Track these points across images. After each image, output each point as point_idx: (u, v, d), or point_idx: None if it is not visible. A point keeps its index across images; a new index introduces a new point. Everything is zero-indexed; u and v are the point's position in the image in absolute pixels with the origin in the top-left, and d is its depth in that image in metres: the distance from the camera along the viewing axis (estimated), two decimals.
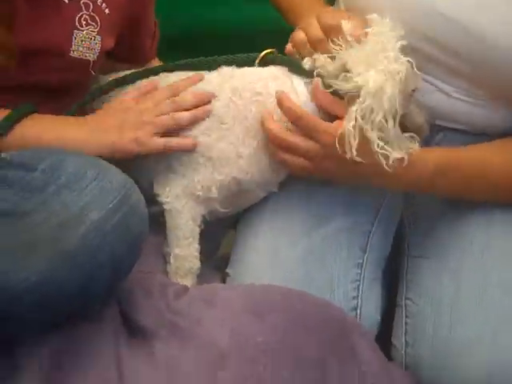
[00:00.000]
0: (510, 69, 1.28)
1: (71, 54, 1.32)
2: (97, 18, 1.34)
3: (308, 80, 1.30)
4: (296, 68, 1.31)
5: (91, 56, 1.35)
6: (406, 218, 1.46)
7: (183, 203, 1.32)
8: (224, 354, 1.12)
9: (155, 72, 1.39)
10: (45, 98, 1.32)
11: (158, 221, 1.34)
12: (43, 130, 1.27)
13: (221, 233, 1.50)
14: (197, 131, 1.31)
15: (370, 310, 1.35)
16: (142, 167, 1.35)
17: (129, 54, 1.49)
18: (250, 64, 1.35)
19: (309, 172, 1.29)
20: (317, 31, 1.28)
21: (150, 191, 1.35)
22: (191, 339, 1.14)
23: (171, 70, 1.38)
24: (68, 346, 1.12)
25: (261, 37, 1.51)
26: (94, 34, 1.34)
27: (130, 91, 1.36)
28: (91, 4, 1.33)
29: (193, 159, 1.31)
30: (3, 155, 1.20)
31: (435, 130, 1.40)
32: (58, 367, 1.10)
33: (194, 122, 1.31)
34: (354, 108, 1.19)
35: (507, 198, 1.35)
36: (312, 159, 1.27)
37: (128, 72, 1.42)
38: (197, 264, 1.33)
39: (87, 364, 1.11)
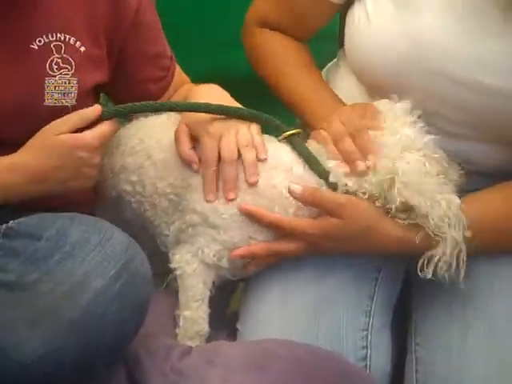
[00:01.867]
0: None
1: (45, 103, 1.29)
2: (70, 59, 1.29)
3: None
4: (314, 167, 1.31)
5: (68, 101, 1.30)
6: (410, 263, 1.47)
7: (194, 267, 1.34)
8: None
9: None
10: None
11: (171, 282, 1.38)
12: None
13: (230, 288, 1.51)
14: (199, 217, 1.32)
15: (380, 360, 1.35)
16: (147, 239, 1.38)
17: (133, 92, 1.42)
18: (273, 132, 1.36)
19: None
20: (339, 128, 1.31)
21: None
22: None
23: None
24: None
25: None
26: (67, 77, 1.29)
27: None
28: (63, 45, 1.28)
29: (200, 236, 1.33)
30: (11, 224, 1.22)
31: None
32: None
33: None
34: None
35: None
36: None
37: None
38: (205, 327, 1.35)
39: None
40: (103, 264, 1.12)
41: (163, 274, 1.38)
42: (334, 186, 1.30)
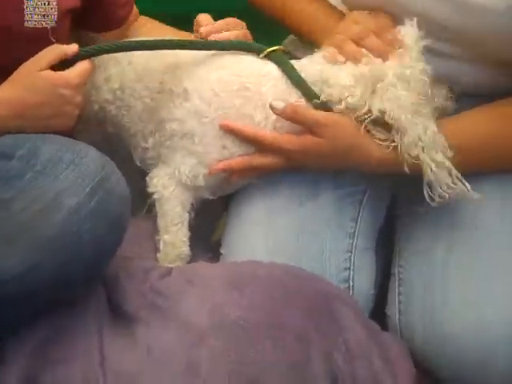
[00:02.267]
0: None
1: (26, 24, 1.30)
2: None
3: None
4: (294, 80, 1.30)
5: (48, 23, 1.31)
6: (397, 186, 1.45)
7: (171, 190, 1.34)
8: (203, 333, 1.12)
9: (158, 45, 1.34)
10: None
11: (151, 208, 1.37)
12: None
13: (215, 215, 1.50)
14: (178, 124, 1.32)
15: (363, 281, 1.34)
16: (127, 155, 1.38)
17: (101, 16, 1.45)
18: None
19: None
20: (360, 28, 1.30)
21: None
22: (171, 320, 1.14)
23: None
24: (53, 334, 1.13)
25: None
26: None
27: None
28: None
29: (177, 151, 1.33)
30: None
31: None
32: (43, 355, 1.11)
33: None
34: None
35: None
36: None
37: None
38: (186, 250, 1.34)
39: (71, 350, 1.12)
40: (77, 182, 1.11)
41: (145, 197, 1.37)
42: (314, 97, 1.28)
